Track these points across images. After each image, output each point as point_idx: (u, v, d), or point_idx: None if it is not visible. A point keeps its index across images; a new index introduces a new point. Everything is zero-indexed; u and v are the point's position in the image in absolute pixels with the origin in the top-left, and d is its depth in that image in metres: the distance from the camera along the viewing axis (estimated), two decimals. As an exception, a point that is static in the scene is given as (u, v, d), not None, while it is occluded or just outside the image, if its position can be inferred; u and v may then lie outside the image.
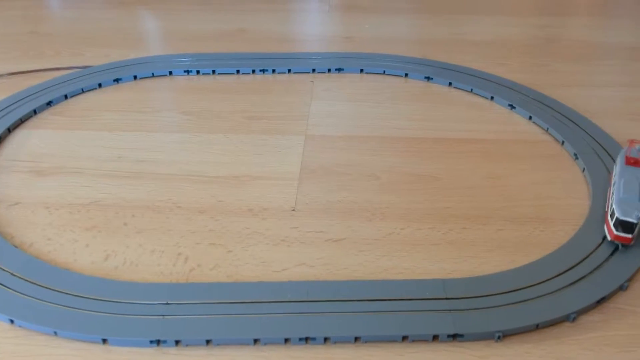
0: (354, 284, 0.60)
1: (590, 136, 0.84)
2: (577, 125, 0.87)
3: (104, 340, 0.55)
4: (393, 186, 0.76)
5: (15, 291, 0.59)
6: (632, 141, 0.77)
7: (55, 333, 0.55)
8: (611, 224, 0.64)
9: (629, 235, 0.63)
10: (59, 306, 0.57)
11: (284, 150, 0.84)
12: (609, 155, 0.80)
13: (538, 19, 1.35)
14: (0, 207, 0.73)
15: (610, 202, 0.67)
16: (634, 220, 0.63)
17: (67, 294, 0.59)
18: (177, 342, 0.55)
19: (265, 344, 0.55)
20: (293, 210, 0.72)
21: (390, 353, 0.54)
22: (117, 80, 1.03)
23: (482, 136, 0.87)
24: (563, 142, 0.84)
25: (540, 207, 0.72)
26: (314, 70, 1.07)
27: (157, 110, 0.94)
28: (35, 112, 0.93)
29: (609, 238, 0.65)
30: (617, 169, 0.72)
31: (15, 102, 0.94)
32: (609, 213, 0.66)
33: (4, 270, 0.61)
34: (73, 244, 0.67)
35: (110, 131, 0.88)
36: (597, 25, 1.32)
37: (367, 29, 1.28)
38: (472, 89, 1.00)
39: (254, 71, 1.06)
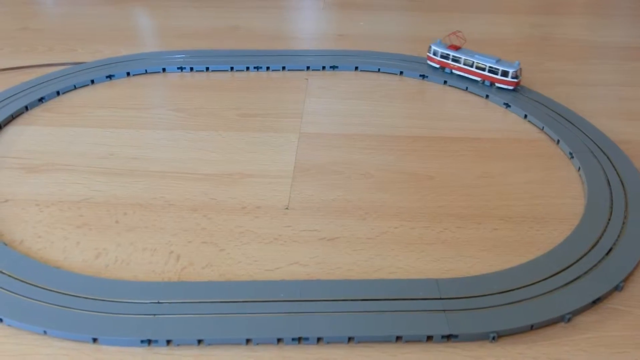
0: (348, 284, 0.59)
1: (586, 135, 0.84)
2: (573, 124, 0.87)
3: (94, 340, 0.54)
4: (387, 185, 0.76)
5: (5, 289, 0.58)
6: (454, 32, 1.08)
7: (45, 332, 0.55)
8: (509, 78, 0.95)
9: (520, 78, 0.96)
10: (49, 305, 0.56)
11: (278, 148, 0.83)
12: (605, 154, 0.79)
13: (533, 17, 1.35)
14: (-10, 204, 0.72)
15: (487, 70, 0.96)
16: (519, 67, 0.95)
17: (57, 292, 0.58)
18: (168, 342, 0.54)
19: (257, 344, 0.54)
20: (286, 208, 0.71)
21: (384, 354, 0.54)
22: (109, 77, 1.02)
23: (477, 135, 0.87)
24: (558, 141, 0.84)
25: (536, 207, 0.72)
26: (308, 67, 1.06)
27: (150, 107, 0.94)
28: (27, 108, 0.92)
29: (511, 88, 0.96)
30: (453, 54, 1.00)
31: (7, 98, 0.93)
32: (499, 74, 0.95)
33: (-7, 268, 0.61)
34: (64, 242, 0.66)
35: (103, 128, 0.88)
36: (591, 24, 1.32)
37: (362, 26, 1.28)
38: (467, 88, 0.99)
39: (248, 68, 1.06)
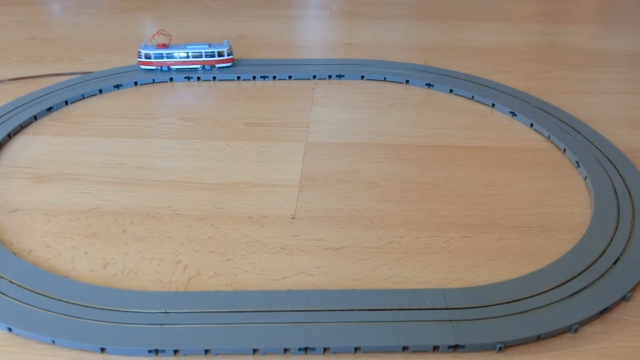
0: (354, 293, 0.59)
1: (592, 144, 0.84)
2: (579, 132, 0.87)
3: (102, 349, 0.54)
4: (393, 194, 0.76)
5: (14, 299, 0.58)
6: (158, 32, 1.13)
7: (53, 342, 0.55)
8: (225, 57, 1.05)
9: (233, 55, 1.08)
10: (57, 314, 0.57)
11: (284, 157, 0.83)
12: (612, 163, 0.79)
13: (539, 26, 1.35)
14: (-1, 213, 0.72)
15: (204, 55, 1.05)
16: (229, 45, 1.06)
17: (65, 302, 0.58)
18: (175, 352, 0.54)
19: (264, 353, 0.54)
20: (293, 218, 0.72)
21: (390, 363, 0.54)
22: (117, 87, 1.03)
23: (483, 144, 0.87)
24: (565, 150, 0.84)
25: (542, 216, 0.72)
26: (314, 76, 1.07)
27: (157, 117, 0.94)
28: (35, 118, 0.93)
29: (230, 64, 1.07)
30: (166, 51, 1.04)
31: (16, 107, 0.94)
32: (217, 56, 1.05)
33: (2, 277, 0.61)
34: (72, 251, 0.66)
35: (111, 137, 0.88)
36: (598, 32, 1.32)
37: (367, 35, 1.28)
38: (473, 96, 0.99)
39: (254, 77, 1.06)
